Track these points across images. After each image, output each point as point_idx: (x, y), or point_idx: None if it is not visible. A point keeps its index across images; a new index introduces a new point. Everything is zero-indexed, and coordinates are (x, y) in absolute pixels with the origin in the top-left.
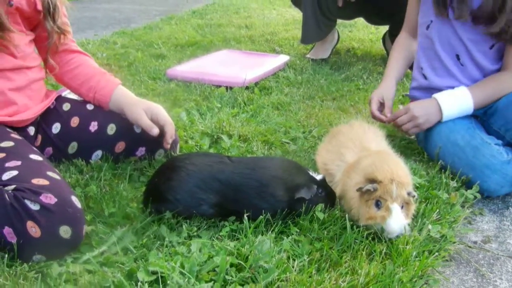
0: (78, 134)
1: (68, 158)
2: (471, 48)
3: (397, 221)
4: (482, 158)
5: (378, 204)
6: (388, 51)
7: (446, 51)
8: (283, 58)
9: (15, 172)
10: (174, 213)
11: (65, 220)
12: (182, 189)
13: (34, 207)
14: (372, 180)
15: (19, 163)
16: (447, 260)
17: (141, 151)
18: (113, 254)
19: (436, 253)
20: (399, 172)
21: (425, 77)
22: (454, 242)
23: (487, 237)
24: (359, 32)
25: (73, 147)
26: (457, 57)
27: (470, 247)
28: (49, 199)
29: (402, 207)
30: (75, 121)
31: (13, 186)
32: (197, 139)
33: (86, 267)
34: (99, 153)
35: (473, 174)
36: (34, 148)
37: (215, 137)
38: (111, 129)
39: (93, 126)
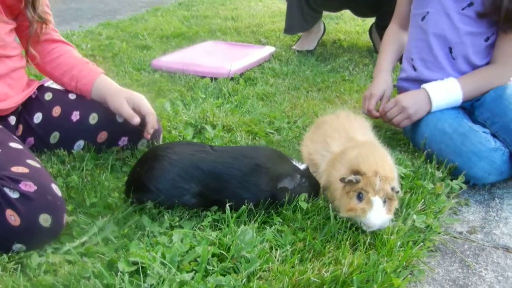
0: (60, 123)
1: (50, 148)
2: (466, 41)
3: (377, 214)
4: (469, 145)
5: (360, 196)
6: (374, 43)
7: (439, 43)
8: (268, 49)
9: None
10: (155, 203)
11: (45, 208)
12: (164, 179)
13: (13, 195)
14: (356, 172)
15: None
16: (432, 251)
17: (124, 140)
18: (94, 244)
19: (421, 244)
20: (384, 166)
21: (414, 69)
22: (439, 233)
23: (472, 228)
24: (346, 24)
25: (55, 136)
26: (450, 50)
27: (455, 237)
28: (28, 187)
29: (384, 201)
30: (57, 111)
31: None
32: (180, 129)
33: (66, 257)
34: (81, 143)
35: (460, 161)
36: (14, 137)
37: (199, 127)
38: (93, 118)
39: (75, 116)
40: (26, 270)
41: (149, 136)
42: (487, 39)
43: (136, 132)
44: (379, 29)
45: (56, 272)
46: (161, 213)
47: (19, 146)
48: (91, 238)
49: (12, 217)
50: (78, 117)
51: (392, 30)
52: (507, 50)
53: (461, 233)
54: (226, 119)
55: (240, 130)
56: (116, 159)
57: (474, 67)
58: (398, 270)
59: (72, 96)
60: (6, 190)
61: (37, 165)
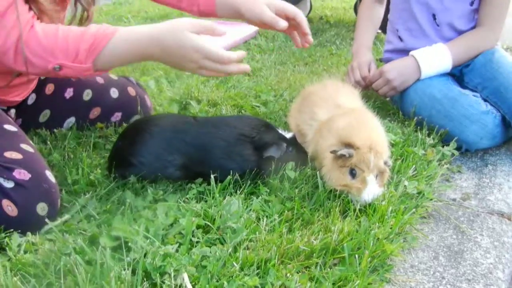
0: (52, 101)
1: (39, 127)
2: (449, 7)
3: (371, 193)
4: (460, 108)
5: (353, 173)
6: None
7: (422, 11)
8: (254, 27)
9: None
10: (139, 177)
11: (42, 197)
12: (146, 152)
13: (8, 184)
14: (348, 144)
15: None
16: (425, 218)
17: (117, 116)
18: (77, 222)
19: (413, 210)
20: (377, 138)
21: (400, 39)
22: (432, 199)
23: (466, 194)
24: (332, 1)
25: (45, 115)
26: (434, 16)
27: (449, 204)
28: (23, 175)
29: (376, 176)
30: (50, 88)
31: None
32: (165, 106)
33: (47, 236)
34: (72, 120)
35: (451, 126)
36: (9, 118)
37: (184, 103)
38: (87, 94)
39: (69, 93)
40: (6, 251)
41: (310, 38)
42: (471, 3)
43: (129, 107)
44: None
45: (37, 251)
46: (144, 188)
47: (14, 129)
48: (74, 216)
49: (9, 208)
50: (71, 94)
51: (367, 4)
52: (493, 13)
53: (454, 199)
54: (211, 94)
55: (226, 104)
56: (99, 137)
57: (459, 33)
58: (391, 237)
59: None
60: (1, 180)
61: (31, 150)
